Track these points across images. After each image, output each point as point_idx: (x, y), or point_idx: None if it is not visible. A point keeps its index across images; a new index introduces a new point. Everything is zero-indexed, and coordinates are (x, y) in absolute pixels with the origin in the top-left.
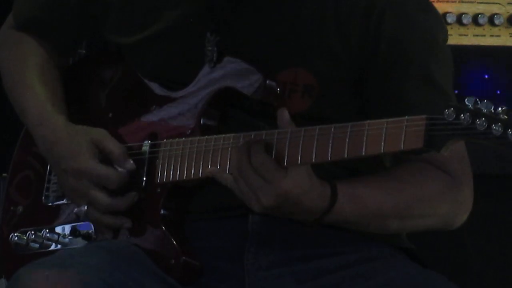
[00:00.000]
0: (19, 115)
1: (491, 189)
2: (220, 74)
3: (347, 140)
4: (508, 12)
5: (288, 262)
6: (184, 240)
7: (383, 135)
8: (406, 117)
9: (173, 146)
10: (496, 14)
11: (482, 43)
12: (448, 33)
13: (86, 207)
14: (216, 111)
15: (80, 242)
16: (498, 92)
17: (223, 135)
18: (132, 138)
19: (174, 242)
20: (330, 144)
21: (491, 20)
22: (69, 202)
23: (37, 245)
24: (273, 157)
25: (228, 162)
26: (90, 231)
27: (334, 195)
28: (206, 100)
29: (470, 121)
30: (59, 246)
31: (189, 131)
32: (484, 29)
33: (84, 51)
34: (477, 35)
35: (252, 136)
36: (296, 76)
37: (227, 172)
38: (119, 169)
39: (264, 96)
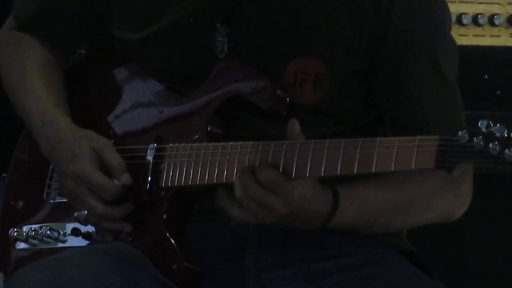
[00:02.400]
0: (21, 117)
1: (491, 189)
2: (230, 79)
3: (357, 156)
4: (508, 12)
5: (289, 264)
6: (186, 244)
7: (394, 153)
8: (418, 136)
9: (179, 151)
10: (496, 14)
11: (482, 43)
12: None
13: (86, 212)
14: (224, 118)
15: (80, 241)
16: (498, 92)
17: (231, 143)
18: (138, 140)
19: (176, 247)
20: (340, 159)
21: (491, 20)
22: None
23: (36, 242)
24: (281, 169)
25: (235, 170)
26: (91, 231)
27: (336, 198)
28: (214, 108)
29: (483, 145)
30: (59, 244)
31: (196, 136)
32: (484, 29)
33: (83, 51)
34: (477, 35)
35: (261, 147)
36: (307, 65)
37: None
38: (116, 181)
39: (273, 106)
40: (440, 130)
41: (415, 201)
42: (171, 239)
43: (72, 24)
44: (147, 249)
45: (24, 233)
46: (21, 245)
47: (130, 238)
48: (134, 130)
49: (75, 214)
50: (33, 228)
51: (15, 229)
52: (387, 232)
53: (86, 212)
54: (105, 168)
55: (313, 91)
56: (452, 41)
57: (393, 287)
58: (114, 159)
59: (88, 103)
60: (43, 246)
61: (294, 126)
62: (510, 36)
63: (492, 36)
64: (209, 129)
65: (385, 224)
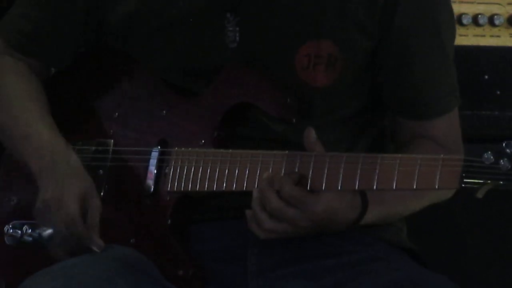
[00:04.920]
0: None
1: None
2: (239, 86)
3: (376, 172)
4: (508, 13)
5: (291, 263)
6: (191, 249)
7: (416, 172)
8: (441, 155)
9: (185, 156)
10: (496, 14)
11: (482, 43)
12: None
13: (52, 231)
14: (231, 124)
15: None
16: (498, 92)
17: (241, 151)
18: (141, 141)
19: (182, 253)
20: (358, 175)
21: (491, 21)
22: None
23: (30, 239)
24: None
25: (246, 179)
26: None
27: (364, 203)
28: (221, 113)
29: (510, 167)
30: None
31: (202, 141)
32: (484, 30)
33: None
34: (477, 36)
35: (273, 157)
36: (319, 47)
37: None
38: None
39: (283, 114)
40: (439, 109)
41: (424, 193)
42: (177, 245)
43: (68, 40)
44: (152, 254)
45: (19, 231)
46: (16, 242)
47: (133, 241)
48: (137, 132)
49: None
50: (28, 226)
51: (10, 226)
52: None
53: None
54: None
55: (326, 73)
56: (452, 14)
57: (396, 282)
58: (95, 216)
59: (89, 103)
60: (38, 244)
61: (310, 134)
62: (510, 36)
63: (492, 36)
64: (215, 134)
65: (398, 216)
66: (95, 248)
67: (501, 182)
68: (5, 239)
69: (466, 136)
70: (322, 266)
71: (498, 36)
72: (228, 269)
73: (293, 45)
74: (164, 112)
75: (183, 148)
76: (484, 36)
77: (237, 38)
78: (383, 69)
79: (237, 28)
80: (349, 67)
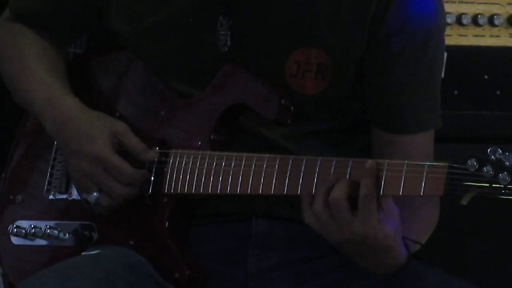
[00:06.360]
0: (22, 104)
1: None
2: (235, 88)
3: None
4: (508, 13)
5: (291, 264)
6: (189, 252)
7: (403, 178)
8: (427, 162)
9: (182, 158)
10: (496, 14)
11: (482, 44)
12: (448, 33)
13: (98, 194)
14: (227, 125)
15: (80, 241)
16: (498, 92)
17: (235, 154)
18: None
19: (179, 256)
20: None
21: (490, 21)
22: (69, 197)
23: (35, 238)
24: (286, 180)
25: (240, 181)
26: (92, 233)
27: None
28: (217, 115)
29: (493, 174)
30: (58, 242)
31: (199, 143)
32: (483, 30)
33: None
34: (477, 36)
35: (266, 160)
36: (309, 55)
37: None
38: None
39: (278, 116)
40: (414, 124)
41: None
42: (174, 248)
43: (71, 15)
44: (150, 255)
45: (23, 230)
46: (20, 241)
47: (132, 243)
48: (136, 132)
49: (84, 195)
50: (33, 226)
51: (15, 225)
52: None
53: (96, 194)
54: (122, 153)
55: (315, 81)
56: (443, 38)
57: (396, 278)
58: (136, 141)
59: (88, 101)
60: (42, 243)
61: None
62: (510, 36)
63: (492, 36)
64: (212, 137)
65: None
66: (150, 157)
67: (485, 190)
68: (10, 238)
69: (466, 136)
70: (321, 265)
71: (498, 36)
72: (227, 270)
73: (284, 52)
74: (163, 112)
75: (180, 150)
76: (484, 36)
77: (228, 42)
78: (366, 76)
79: (229, 32)
80: (339, 76)
